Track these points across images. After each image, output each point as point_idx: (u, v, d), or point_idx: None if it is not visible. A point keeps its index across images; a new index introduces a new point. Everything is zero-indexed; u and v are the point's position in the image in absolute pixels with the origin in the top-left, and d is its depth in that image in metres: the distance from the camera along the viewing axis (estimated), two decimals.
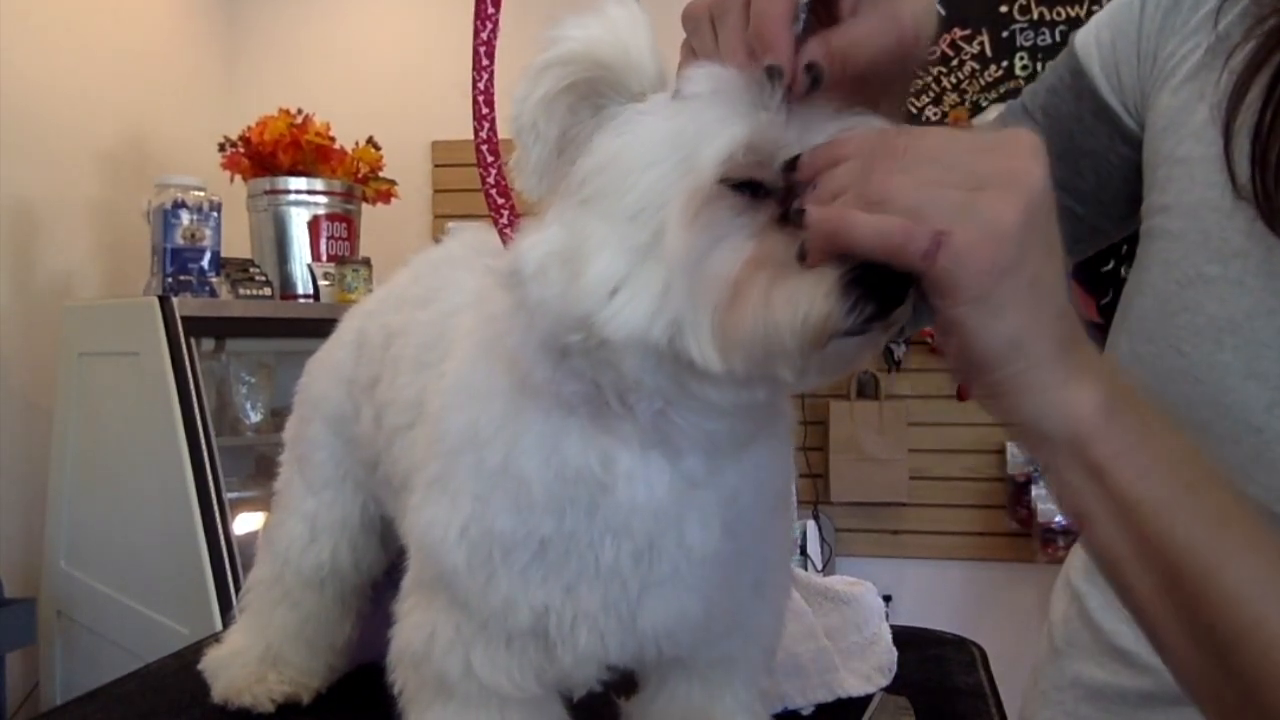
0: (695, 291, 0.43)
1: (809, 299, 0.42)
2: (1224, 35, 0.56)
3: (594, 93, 0.46)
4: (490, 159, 0.55)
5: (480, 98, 0.53)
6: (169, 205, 1.93)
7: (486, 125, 0.53)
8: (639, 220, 0.44)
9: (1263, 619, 0.40)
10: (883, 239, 0.40)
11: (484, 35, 0.54)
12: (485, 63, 0.54)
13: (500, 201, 0.55)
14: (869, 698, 0.79)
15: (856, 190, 0.41)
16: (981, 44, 2.65)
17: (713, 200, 0.43)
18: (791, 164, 0.44)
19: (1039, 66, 2.63)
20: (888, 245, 0.40)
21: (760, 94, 0.45)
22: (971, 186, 0.39)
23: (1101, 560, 0.43)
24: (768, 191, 0.45)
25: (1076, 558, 0.75)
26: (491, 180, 0.55)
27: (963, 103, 2.67)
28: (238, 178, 2.30)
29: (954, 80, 2.68)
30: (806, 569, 2.30)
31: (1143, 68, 0.62)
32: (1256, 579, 0.40)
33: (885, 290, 0.42)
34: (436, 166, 2.92)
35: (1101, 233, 0.72)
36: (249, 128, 2.28)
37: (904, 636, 0.90)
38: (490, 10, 0.53)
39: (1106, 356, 0.44)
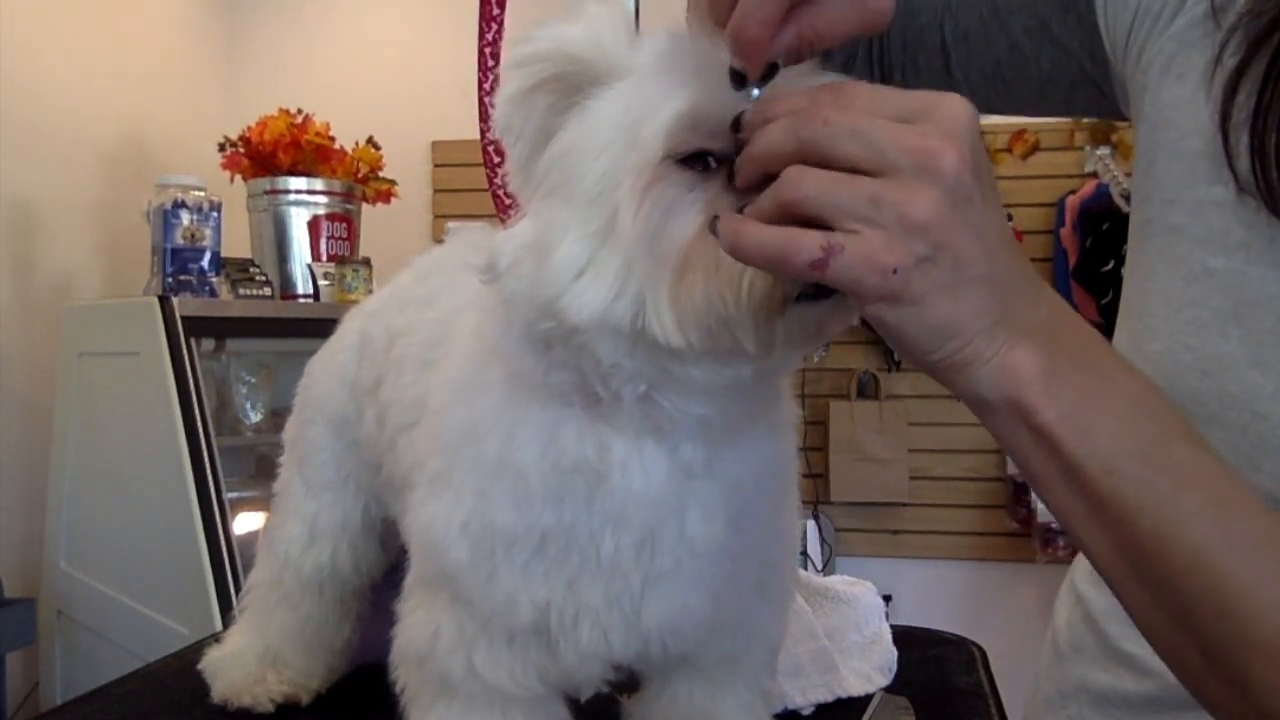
0: (652, 267, 0.43)
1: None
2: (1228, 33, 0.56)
3: (574, 89, 0.46)
4: (497, 159, 0.55)
5: (487, 99, 0.54)
6: (169, 205, 1.93)
7: (492, 126, 0.53)
8: (596, 204, 0.44)
9: (1222, 579, 0.39)
10: (767, 255, 0.39)
11: (489, 36, 0.54)
12: (490, 64, 0.54)
13: (507, 202, 0.55)
14: (869, 698, 0.79)
15: (772, 192, 0.40)
16: None
17: (663, 175, 0.44)
18: (738, 123, 0.44)
19: None
20: (772, 260, 0.39)
21: (709, 60, 0.45)
22: (885, 170, 0.39)
23: (1061, 521, 0.43)
24: (722, 159, 0.45)
25: (1081, 562, 0.75)
26: (499, 181, 0.55)
27: None
28: (238, 178, 2.30)
29: None
30: (806, 569, 2.30)
31: (1139, 22, 0.62)
32: (1215, 538, 0.40)
33: None
34: (436, 166, 2.92)
35: (1019, 100, 0.72)
36: (249, 128, 2.28)
37: (904, 636, 0.90)
38: (495, 11, 0.53)
39: (1055, 313, 0.43)
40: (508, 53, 0.46)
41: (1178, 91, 0.58)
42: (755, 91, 0.44)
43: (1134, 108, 0.64)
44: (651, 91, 0.44)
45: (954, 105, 0.40)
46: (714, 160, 0.45)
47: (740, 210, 0.43)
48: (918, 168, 0.38)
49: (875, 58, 0.74)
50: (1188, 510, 0.40)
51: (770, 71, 0.44)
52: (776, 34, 0.44)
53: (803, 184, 0.39)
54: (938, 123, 0.39)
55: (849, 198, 0.39)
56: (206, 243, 1.96)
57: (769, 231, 0.40)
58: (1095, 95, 0.68)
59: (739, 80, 0.44)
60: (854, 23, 0.46)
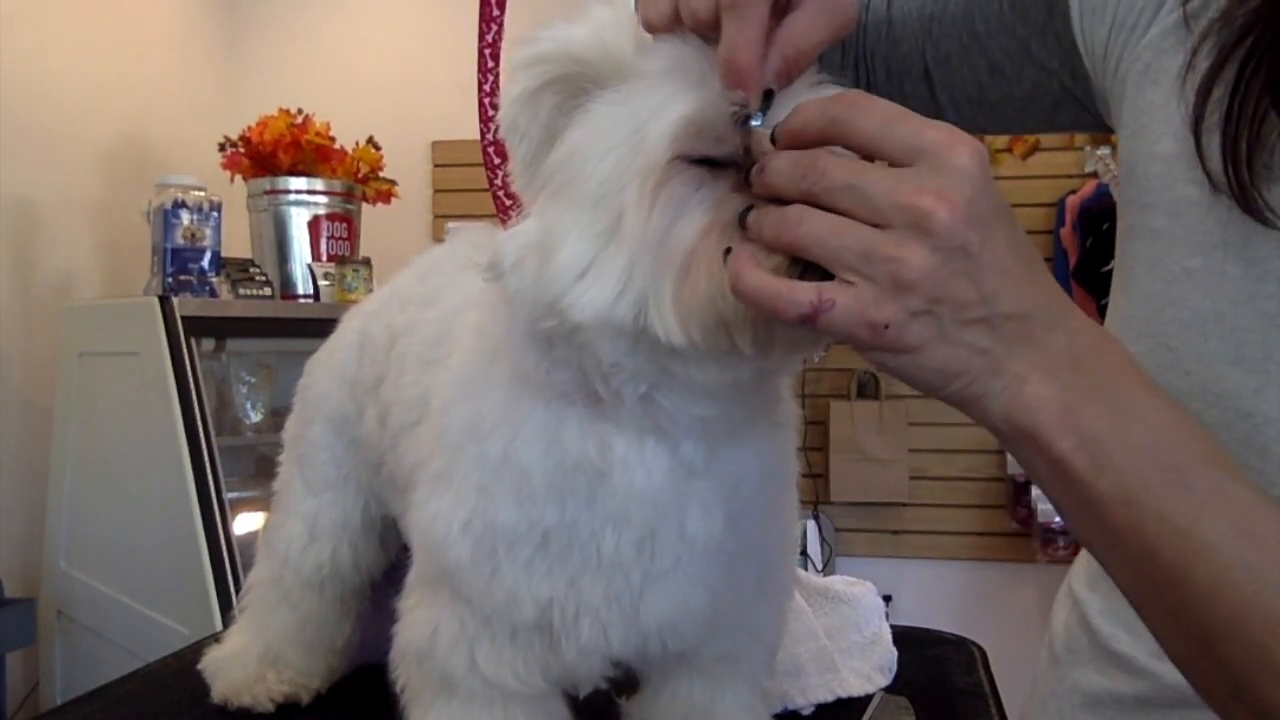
0: (656, 267, 0.44)
1: None
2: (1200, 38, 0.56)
3: (579, 90, 0.46)
4: (498, 161, 0.55)
5: (487, 100, 0.54)
6: (169, 205, 1.93)
7: (493, 127, 0.54)
8: (601, 205, 0.45)
9: (1244, 609, 0.39)
10: (759, 302, 0.41)
11: (489, 37, 0.54)
12: (490, 65, 0.54)
13: (508, 202, 0.55)
14: (869, 698, 0.79)
15: (774, 225, 0.41)
16: None
17: (670, 178, 0.44)
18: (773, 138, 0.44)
19: None
20: (763, 308, 0.41)
21: (713, 66, 0.45)
22: (880, 223, 0.39)
23: (1085, 547, 0.43)
24: (727, 162, 0.45)
25: (1079, 565, 0.75)
26: (499, 181, 0.55)
27: None
28: (238, 178, 2.30)
29: None
30: (806, 569, 2.30)
31: (1115, 34, 0.62)
32: (1236, 568, 0.39)
33: None
34: (436, 166, 2.92)
35: (1004, 120, 0.73)
36: (249, 128, 2.28)
37: (904, 636, 0.90)
38: (495, 12, 0.53)
39: (1077, 337, 0.42)
40: (513, 53, 0.46)
41: (1153, 96, 0.59)
42: (757, 121, 0.45)
43: (1114, 118, 0.65)
44: (657, 96, 0.45)
45: (960, 153, 0.40)
46: (723, 162, 0.45)
47: (748, 212, 0.43)
48: (909, 224, 0.39)
49: (862, 87, 0.74)
50: (1208, 541, 0.39)
51: (768, 98, 0.45)
52: (764, 59, 0.44)
53: (802, 228, 0.41)
54: (939, 170, 0.39)
55: (843, 249, 0.39)
56: (206, 243, 1.96)
57: (764, 279, 0.41)
58: (1078, 111, 0.69)
59: (741, 105, 0.45)
60: (827, 29, 0.47)
